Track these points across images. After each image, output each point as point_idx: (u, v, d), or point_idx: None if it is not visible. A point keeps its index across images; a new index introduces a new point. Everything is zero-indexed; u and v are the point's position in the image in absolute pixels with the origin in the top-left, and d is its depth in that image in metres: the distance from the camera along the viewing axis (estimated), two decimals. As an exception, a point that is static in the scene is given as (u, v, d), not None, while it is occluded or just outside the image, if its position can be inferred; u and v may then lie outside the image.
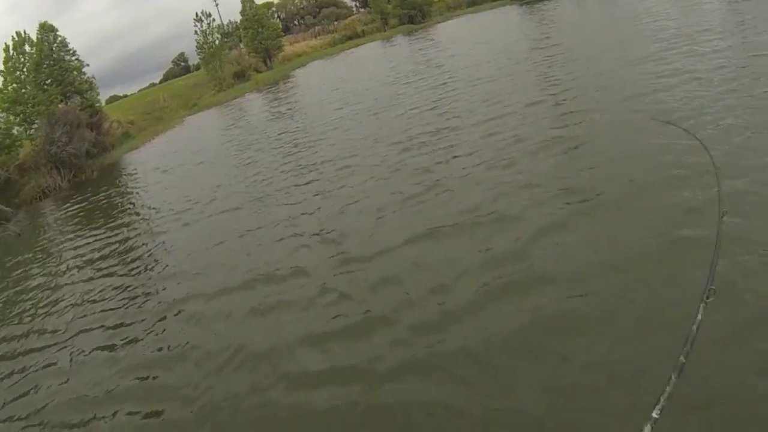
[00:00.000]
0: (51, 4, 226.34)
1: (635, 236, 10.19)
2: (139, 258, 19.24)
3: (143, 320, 13.65)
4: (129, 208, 28.54)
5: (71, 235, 26.56)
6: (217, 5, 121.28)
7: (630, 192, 11.92)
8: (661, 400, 3.53)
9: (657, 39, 27.49)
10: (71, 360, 12.89)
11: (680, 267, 8.70)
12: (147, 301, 14.97)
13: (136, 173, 39.36)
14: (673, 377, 3.69)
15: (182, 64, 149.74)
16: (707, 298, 4.32)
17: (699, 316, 4.16)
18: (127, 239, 22.30)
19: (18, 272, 23.36)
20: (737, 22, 26.82)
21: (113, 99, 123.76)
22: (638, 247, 9.77)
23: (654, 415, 3.44)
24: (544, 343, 8.19)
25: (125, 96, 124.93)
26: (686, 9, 35.76)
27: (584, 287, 9.16)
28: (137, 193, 32.42)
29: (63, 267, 21.68)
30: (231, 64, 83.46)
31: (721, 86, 16.96)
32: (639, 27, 33.55)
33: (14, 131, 48.80)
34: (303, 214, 17.38)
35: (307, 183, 20.73)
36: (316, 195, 18.86)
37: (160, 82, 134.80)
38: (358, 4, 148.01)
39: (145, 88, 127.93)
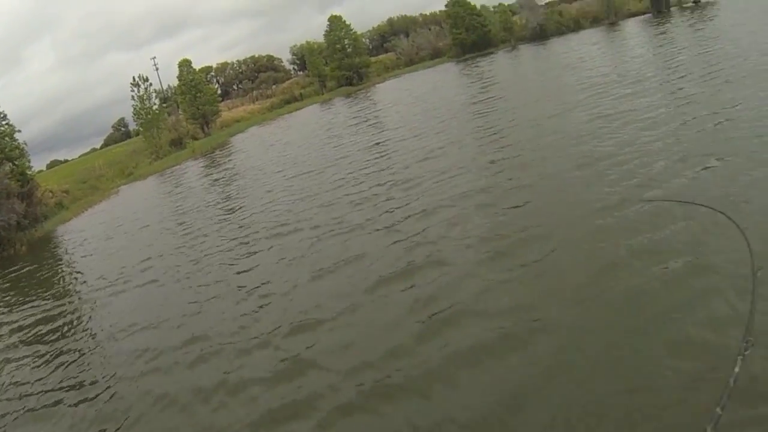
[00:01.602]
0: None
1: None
2: (66, 329, 19.05)
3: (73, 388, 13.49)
4: (57, 285, 27.73)
5: None
6: (156, 69, 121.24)
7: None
8: None
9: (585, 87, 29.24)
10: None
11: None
12: (84, 368, 14.76)
13: (66, 247, 38.54)
14: (709, 429, 3.64)
15: (122, 129, 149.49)
16: (745, 350, 4.24)
17: (737, 369, 4.08)
18: (53, 314, 21.63)
19: None
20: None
21: (54, 164, 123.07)
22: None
23: None
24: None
25: (66, 161, 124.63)
26: (615, 58, 36.91)
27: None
28: (66, 267, 31.68)
29: None
30: (168, 130, 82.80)
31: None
32: (571, 76, 35.06)
33: None
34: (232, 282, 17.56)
35: (240, 247, 21.29)
36: (250, 259, 19.31)
37: (101, 147, 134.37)
38: (296, 67, 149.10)
39: (86, 153, 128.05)
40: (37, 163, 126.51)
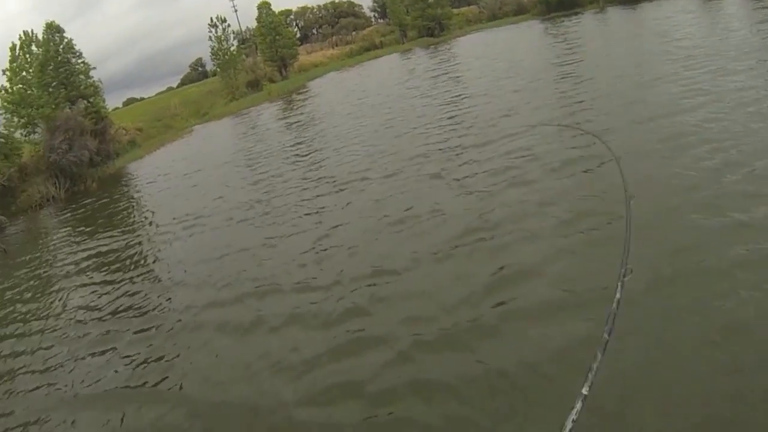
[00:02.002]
0: (74, 3, 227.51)
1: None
2: (135, 268, 19.28)
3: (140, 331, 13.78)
4: (126, 220, 28.13)
5: (61, 249, 26.05)
6: (235, 11, 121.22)
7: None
8: (589, 377, 3.58)
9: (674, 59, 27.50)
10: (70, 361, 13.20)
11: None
12: (146, 313, 14.95)
13: (138, 184, 38.74)
14: (598, 354, 3.75)
15: (199, 69, 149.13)
16: (624, 276, 4.48)
17: (618, 295, 4.28)
18: (123, 250, 22.12)
19: (10, 281, 22.99)
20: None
21: (130, 101, 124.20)
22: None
23: (584, 391, 3.49)
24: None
25: (142, 99, 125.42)
26: (710, 29, 35.67)
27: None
28: (136, 204, 31.90)
29: (57, 274, 21.72)
30: (245, 72, 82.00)
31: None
32: (661, 46, 33.03)
33: (17, 134, 47.20)
34: (304, 230, 17.47)
35: (317, 196, 20.78)
36: (328, 208, 18.95)
37: (177, 87, 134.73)
38: (377, 15, 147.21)
39: (162, 92, 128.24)
40: (114, 101, 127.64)
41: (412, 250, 13.47)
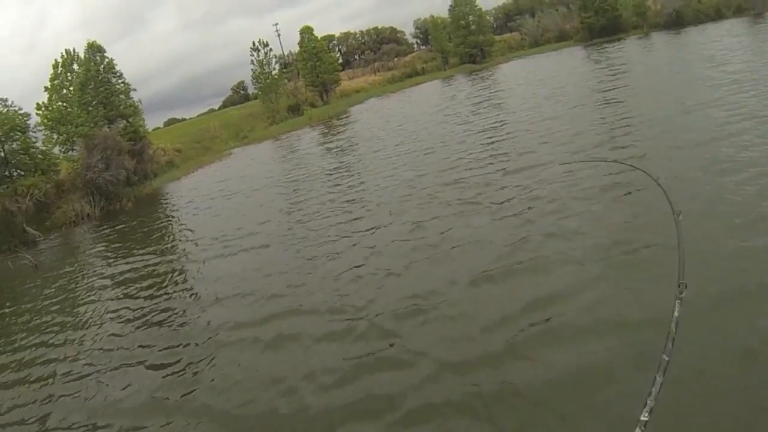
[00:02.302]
0: (121, 22, 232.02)
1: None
2: (166, 286, 19.38)
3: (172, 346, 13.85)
4: (161, 239, 28.24)
5: (95, 265, 26.40)
6: (278, 35, 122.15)
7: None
8: (648, 402, 3.27)
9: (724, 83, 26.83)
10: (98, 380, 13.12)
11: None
12: (178, 328, 15.14)
13: (174, 204, 38.70)
14: (658, 378, 3.41)
15: (241, 92, 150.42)
16: (681, 293, 4.12)
17: (676, 313, 3.94)
18: (156, 268, 22.17)
19: (44, 294, 23.19)
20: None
21: (171, 122, 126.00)
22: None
23: (643, 418, 3.19)
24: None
25: (183, 120, 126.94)
26: (760, 53, 35.34)
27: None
28: (172, 224, 31.93)
29: (90, 288, 21.99)
30: (287, 96, 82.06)
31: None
32: (706, 71, 32.20)
33: (55, 151, 47.46)
34: (341, 252, 17.37)
35: (355, 219, 20.78)
36: (367, 232, 18.74)
37: (219, 108, 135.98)
38: (419, 41, 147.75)
39: (203, 113, 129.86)
40: (156, 121, 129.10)
41: (448, 274, 13.27)
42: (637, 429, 3.15)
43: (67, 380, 13.54)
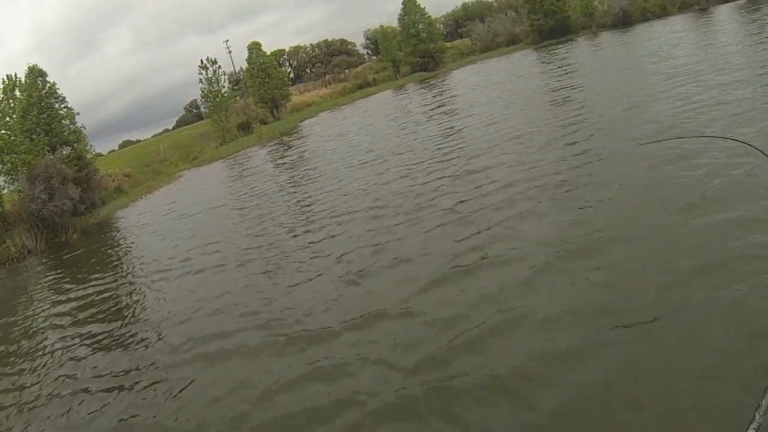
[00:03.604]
0: (75, 45, 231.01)
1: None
2: (118, 312, 19.08)
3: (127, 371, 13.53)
4: (109, 268, 27.24)
5: (43, 299, 25.30)
6: (229, 52, 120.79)
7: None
8: (757, 416, 3.08)
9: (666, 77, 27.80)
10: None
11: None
12: (135, 351, 14.88)
13: (121, 232, 37.92)
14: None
15: (194, 110, 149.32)
16: None
17: None
18: (105, 298, 21.41)
19: None
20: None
21: (126, 144, 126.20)
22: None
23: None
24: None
25: (138, 141, 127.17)
26: (704, 47, 36.54)
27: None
28: (120, 251, 31.10)
29: (38, 325, 21.05)
30: (236, 114, 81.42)
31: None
32: (655, 65, 33.55)
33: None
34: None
35: (308, 232, 20.75)
36: (322, 243, 18.74)
37: (173, 128, 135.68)
38: (369, 51, 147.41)
39: (158, 134, 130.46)
40: (112, 143, 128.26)
41: (407, 279, 13.40)
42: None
43: (27, 410, 13.18)
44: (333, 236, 19.11)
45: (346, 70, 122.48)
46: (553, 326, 9.51)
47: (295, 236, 20.94)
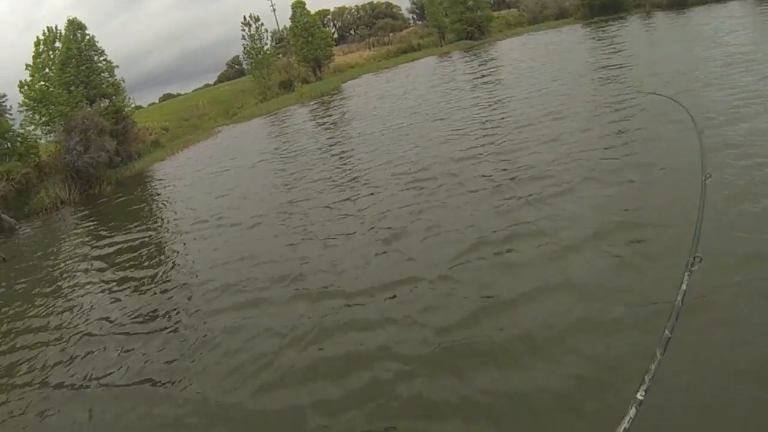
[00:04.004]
0: (116, 0, 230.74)
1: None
2: (150, 268, 19.09)
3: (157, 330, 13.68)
4: (142, 221, 27.58)
5: (75, 250, 25.87)
6: (273, 9, 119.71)
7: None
8: (646, 380, 3.29)
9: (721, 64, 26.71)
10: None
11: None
12: (161, 312, 14.84)
13: (157, 185, 37.96)
14: (658, 353, 3.42)
15: (236, 67, 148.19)
16: (692, 266, 4.12)
17: (683, 286, 3.92)
18: (138, 250, 21.86)
19: (20, 283, 22.54)
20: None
21: (166, 97, 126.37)
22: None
23: (639, 396, 3.20)
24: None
25: (178, 95, 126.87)
26: (760, 35, 35.60)
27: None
28: (154, 205, 31.55)
29: (69, 275, 21.47)
30: (279, 72, 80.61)
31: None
32: (710, 50, 32.05)
33: (34, 134, 46.09)
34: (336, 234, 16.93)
35: (349, 195, 20.61)
36: (363, 207, 18.66)
37: (214, 84, 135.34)
38: (415, 16, 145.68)
39: (199, 88, 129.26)
40: (152, 96, 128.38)
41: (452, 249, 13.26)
42: (632, 408, 3.10)
43: (51, 364, 13.40)
44: (371, 198, 19.25)
45: (391, 34, 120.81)
46: (589, 297, 9.66)
47: (332, 196, 20.93)
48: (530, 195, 15.23)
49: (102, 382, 11.79)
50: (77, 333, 14.89)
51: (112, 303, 16.56)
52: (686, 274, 4.00)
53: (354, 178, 22.70)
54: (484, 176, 18.08)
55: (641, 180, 14.64)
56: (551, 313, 9.47)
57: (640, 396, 3.15)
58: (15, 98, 46.30)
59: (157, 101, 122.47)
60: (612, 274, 10.29)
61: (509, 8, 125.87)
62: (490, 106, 30.62)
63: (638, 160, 16.03)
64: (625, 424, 3.05)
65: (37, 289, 20.37)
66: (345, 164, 25.96)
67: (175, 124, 61.90)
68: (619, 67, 33.21)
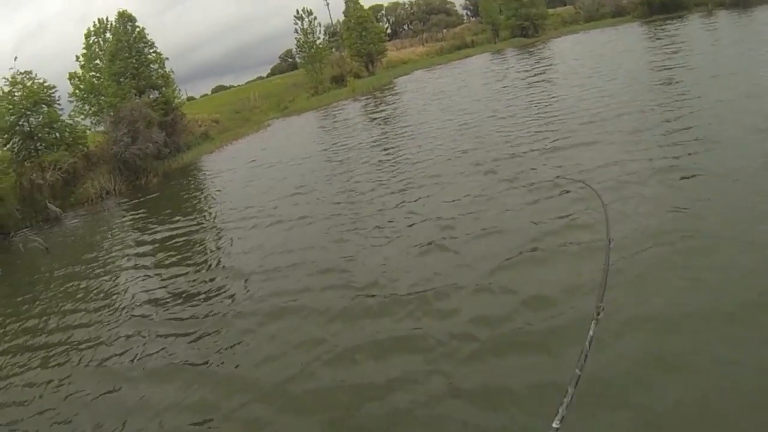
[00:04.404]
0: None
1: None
2: (194, 258, 19.70)
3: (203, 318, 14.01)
4: (187, 213, 27.81)
5: (119, 240, 26.36)
6: (327, 4, 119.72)
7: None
8: (560, 410, 3.47)
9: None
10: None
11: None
12: (206, 298, 15.30)
13: (204, 178, 38.09)
14: (569, 390, 3.59)
15: (289, 60, 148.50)
16: (598, 315, 4.20)
17: (591, 333, 4.03)
18: (182, 241, 22.35)
19: (68, 269, 23.19)
20: None
21: (219, 89, 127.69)
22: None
23: (554, 425, 3.39)
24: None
25: (230, 87, 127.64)
26: None
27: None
28: (201, 198, 31.60)
29: (118, 266, 21.69)
30: (331, 66, 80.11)
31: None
32: None
33: (83, 124, 47.08)
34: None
35: (401, 191, 20.61)
36: (415, 204, 18.62)
37: (267, 76, 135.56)
38: (468, 13, 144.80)
39: (252, 81, 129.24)
40: (205, 88, 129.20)
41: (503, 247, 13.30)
42: None
43: (99, 344, 14.07)
44: (422, 197, 18.99)
45: (444, 30, 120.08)
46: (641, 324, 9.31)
47: (384, 194, 20.71)
48: (587, 203, 14.50)
49: (148, 365, 12.23)
50: (123, 316, 15.42)
51: (154, 289, 16.98)
52: (593, 322, 4.07)
53: (404, 177, 22.31)
54: (540, 180, 17.53)
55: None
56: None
57: (555, 425, 3.31)
58: (64, 89, 46.60)
59: (209, 93, 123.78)
60: (678, 294, 9.90)
61: (564, 5, 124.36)
62: (545, 105, 30.07)
63: (705, 169, 15.22)
64: None
65: (84, 282, 20.28)
66: (396, 160, 25.68)
67: (226, 116, 61.95)
68: (679, 68, 32.38)
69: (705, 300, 9.42)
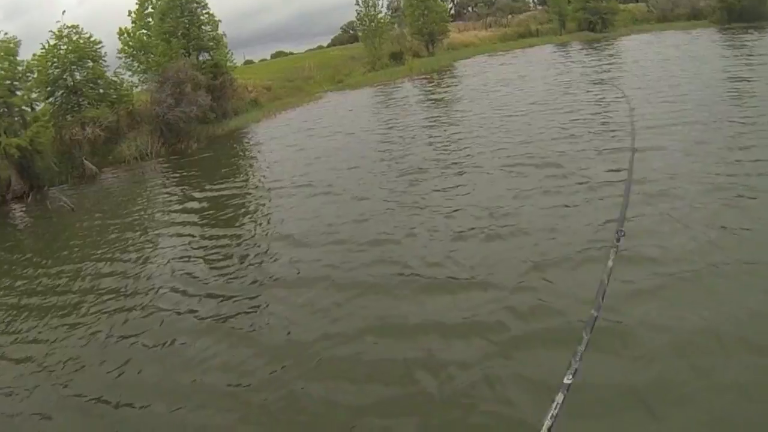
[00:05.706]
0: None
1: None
2: (231, 223, 20.25)
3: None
4: (225, 179, 28.43)
5: (160, 198, 27.18)
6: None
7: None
8: (573, 363, 3.38)
9: None
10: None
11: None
12: (242, 261, 15.92)
13: (248, 146, 38.05)
14: (584, 335, 3.52)
15: (350, 32, 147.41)
16: (618, 241, 4.36)
17: (610, 263, 4.05)
18: (219, 206, 22.74)
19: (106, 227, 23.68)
20: None
21: (278, 54, 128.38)
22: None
23: (566, 381, 3.28)
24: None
25: (290, 54, 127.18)
26: None
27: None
28: (243, 165, 31.89)
29: (156, 232, 21.69)
30: (391, 42, 78.45)
31: None
32: None
33: (130, 81, 46.96)
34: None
35: (451, 176, 20.63)
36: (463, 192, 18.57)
37: (327, 46, 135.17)
38: (535, 0, 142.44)
39: (312, 49, 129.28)
40: (265, 52, 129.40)
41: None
42: (560, 393, 3.12)
43: (134, 319, 13.88)
44: (471, 185, 18.99)
45: (509, 16, 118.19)
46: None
47: (433, 177, 20.77)
48: (642, 215, 14.02)
49: (189, 321, 12.77)
50: (151, 305, 14.69)
51: (187, 274, 16.33)
52: (612, 250, 4.02)
53: (456, 163, 22.34)
54: (596, 183, 17.22)
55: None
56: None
57: (567, 381, 3.12)
58: (111, 47, 46.30)
59: (269, 58, 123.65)
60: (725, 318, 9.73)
61: (636, 2, 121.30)
62: (609, 104, 29.71)
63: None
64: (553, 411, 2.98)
65: (120, 253, 19.83)
66: (450, 146, 25.48)
67: (279, 84, 60.78)
68: (758, 81, 30.79)
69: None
